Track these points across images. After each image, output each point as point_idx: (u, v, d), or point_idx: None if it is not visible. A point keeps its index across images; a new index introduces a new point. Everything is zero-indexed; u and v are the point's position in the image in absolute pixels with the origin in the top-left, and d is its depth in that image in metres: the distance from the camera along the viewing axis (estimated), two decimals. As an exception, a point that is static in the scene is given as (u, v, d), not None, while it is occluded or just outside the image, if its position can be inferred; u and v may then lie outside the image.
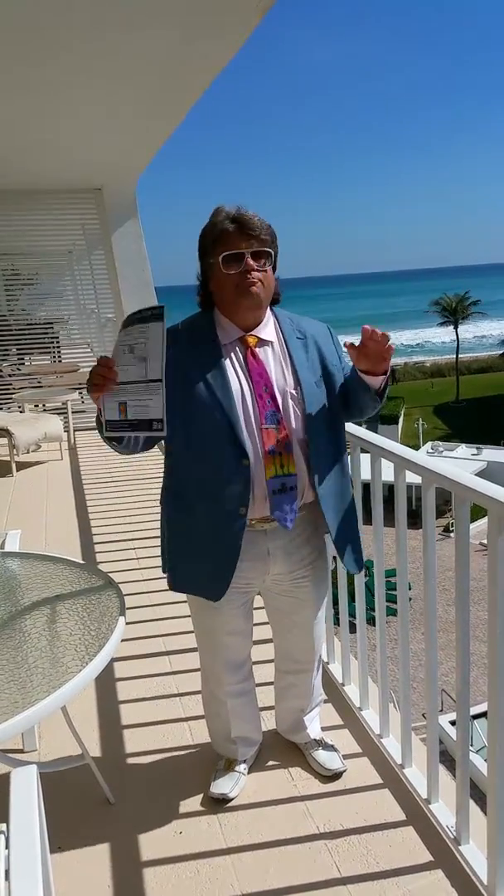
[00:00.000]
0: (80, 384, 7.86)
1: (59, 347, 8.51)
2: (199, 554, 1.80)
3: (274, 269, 1.76)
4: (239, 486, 1.70)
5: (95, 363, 1.61)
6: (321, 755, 2.11)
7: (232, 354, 1.75)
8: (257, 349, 1.76)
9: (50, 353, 8.54)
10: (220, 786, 2.01)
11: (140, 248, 7.47)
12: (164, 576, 1.91)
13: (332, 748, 2.13)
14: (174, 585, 1.89)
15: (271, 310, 1.83)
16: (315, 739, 2.15)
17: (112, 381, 1.57)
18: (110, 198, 7.23)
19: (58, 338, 8.40)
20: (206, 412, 1.70)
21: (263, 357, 1.76)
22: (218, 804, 1.98)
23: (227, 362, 1.74)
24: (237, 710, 2.03)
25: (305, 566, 1.90)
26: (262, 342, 1.77)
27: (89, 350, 8.22)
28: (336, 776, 2.06)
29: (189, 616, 1.99)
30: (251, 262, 1.68)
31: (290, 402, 1.75)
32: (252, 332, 1.77)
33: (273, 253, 1.73)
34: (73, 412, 7.08)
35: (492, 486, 1.54)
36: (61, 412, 6.95)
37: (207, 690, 2.07)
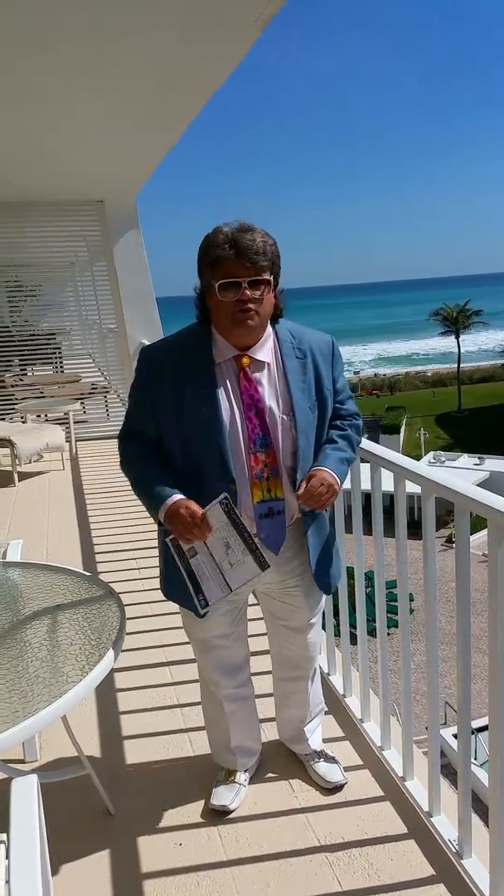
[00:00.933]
0: (81, 394, 7.90)
1: (61, 358, 8.55)
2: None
3: (275, 288, 1.72)
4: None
5: (187, 513, 1.66)
6: (322, 767, 2.10)
7: (224, 374, 1.72)
8: (251, 370, 1.72)
9: (52, 363, 8.57)
10: (221, 797, 2.00)
11: (141, 259, 7.51)
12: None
13: (333, 760, 2.12)
14: (164, 591, 1.91)
15: (272, 326, 1.79)
16: (316, 751, 2.14)
17: (197, 539, 1.67)
18: (112, 209, 7.28)
19: (60, 348, 8.44)
20: (198, 433, 1.69)
21: (257, 378, 1.73)
22: (218, 816, 1.97)
23: (219, 382, 1.71)
24: (236, 716, 2.02)
25: (295, 576, 1.89)
26: (256, 363, 1.74)
27: (91, 360, 8.25)
28: (337, 788, 2.05)
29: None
30: (248, 292, 1.64)
31: (280, 427, 1.72)
32: (248, 353, 1.73)
33: (272, 278, 1.69)
34: (74, 422, 7.10)
35: (491, 496, 1.54)
36: (63, 422, 6.97)
37: (206, 696, 2.05)
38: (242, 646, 2.00)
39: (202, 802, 2.03)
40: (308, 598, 1.94)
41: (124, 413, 1.86)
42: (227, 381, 1.71)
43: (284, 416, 1.73)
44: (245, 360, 1.72)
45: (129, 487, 1.82)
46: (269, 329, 1.78)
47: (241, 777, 2.07)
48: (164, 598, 1.91)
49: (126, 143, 5.48)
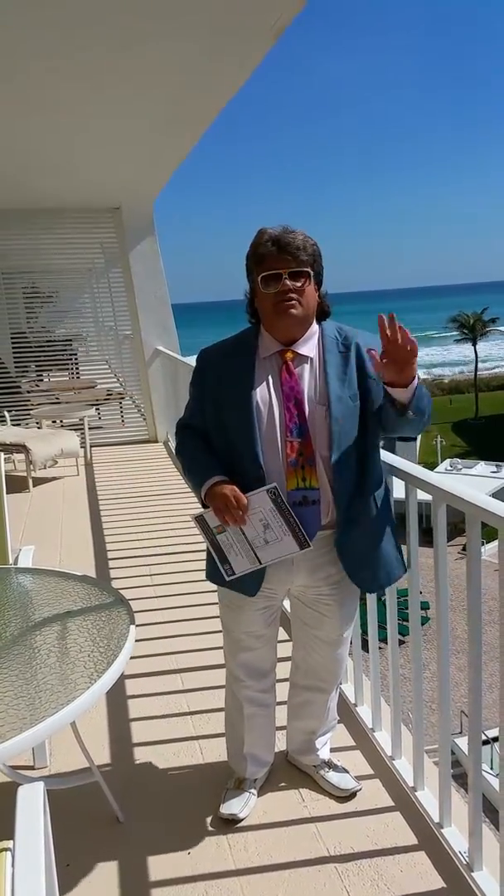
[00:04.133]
0: (96, 400, 7.95)
1: (77, 364, 8.62)
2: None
3: (319, 285, 1.81)
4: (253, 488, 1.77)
5: (226, 494, 1.76)
6: (332, 776, 2.08)
7: (267, 368, 1.81)
8: (294, 364, 1.79)
9: (68, 369, 8.64)
10: (231, 806, 1.99)
11: (157, 266, 7.56)
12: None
13: (342, 769, 2.11)
14: (207, 574, 1.95)
15: (318, 324, 1.85)
16: (324, 761, 2.12)
17: (235, 522, 1.76)
18: (128, 217, 7.34)
19: (76, 354, 8.51)
20: (234, 423, 1.78)
21: (299, 372, 1.79)
22: (227, 825, 1.96)
23: (261, 375, 1.80)
24: (253, 721, 2.03)
25: (331, 584, 1.87)
26: (300, 357, 1.80)
27: (107, 367, 8.31)
28: (351, 796, 2.04)
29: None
30: (288, 282, 1.73)
31: (317, 417, 1.76)
32: (292, 347, 1.80)
33: (314, 271, 1.77)
34: (89, 428, 7.14)
35: (502, 505, 1.53)
36: (78, 428, 7.02)
37: (229, 695, 2.08)
38: (271, 650, 2.01)
39: (212, 811, 2.02)
40: (341, 610, 1.92)
41: (182, 412, 2.04)
42: (269, 375, 1.80)
43: (320, 406, 1.76)
44: (289, 355, 1.79)
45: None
46: (315, 326, 1.84)
47: (251, 785, 2.06)
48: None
49: (142, 150, 5.53)
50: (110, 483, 6.09)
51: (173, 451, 2.06)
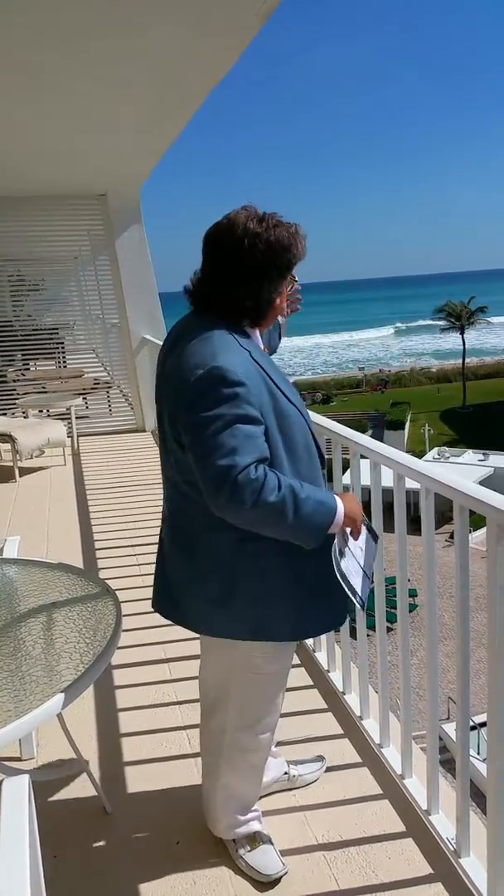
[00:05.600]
0: (83, 390, 7.88)
1: (64, 353, 8.54)
2: (315, 582, 1.63)
3: None
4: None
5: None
6: (303, 767, 2.09)
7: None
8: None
9: (55, 358, 8.56)
10: (269, 865, 1.75)
11: (144, 254, 7.48)
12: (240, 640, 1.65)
13: (302, 760, 2.10)
14: (296, 633, 1.68)
15: None
16: (286, 761, 2.07)
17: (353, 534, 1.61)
18: (114, 203, 7.25)
19: (63, 343, 8.43)
20: (299, 427, 1.60)
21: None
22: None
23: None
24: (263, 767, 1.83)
25: None
26: None
27: (94, 355, 8.24)
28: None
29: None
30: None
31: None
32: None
33: None
34: (76, 417, 7.09)
35: (489, 493, 1.52)
36: (65, 418, 6.96)
37: (259, 745, 1.76)
38: None
39: (199, 800, 2.01)
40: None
41: (218, 448, 1.44)
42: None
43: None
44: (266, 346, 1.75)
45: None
46: None
47: (265, 833, 1.84)
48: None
49: (128, 136, 5.46)
50: (98, 473, 6.05)
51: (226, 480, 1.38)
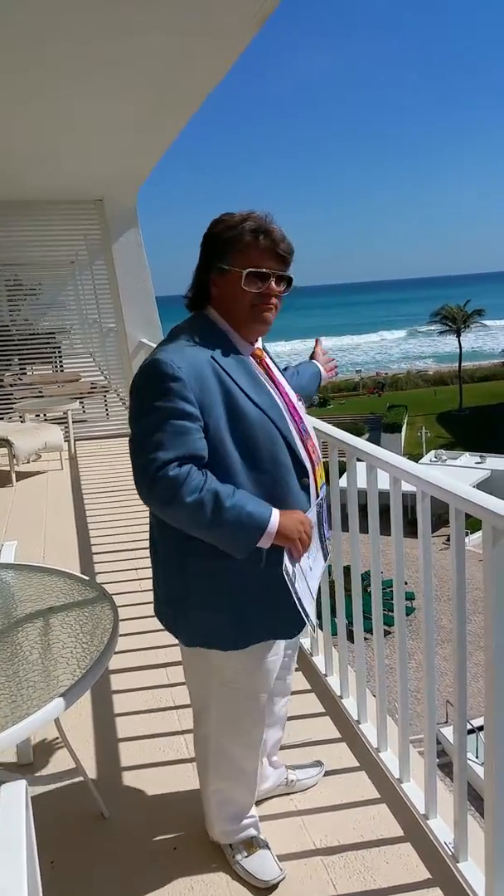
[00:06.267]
0: (80, 394, 7.88)
1: (61, 357, 8.54)
2: (264, 589, 1.56)
3: None
4: (305, 504, 1.59)
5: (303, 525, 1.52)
6: (304, 772, 2.08)
7: (255, 367, 1.62)
8: (266, 361, 1.70)
9: (52, 362, 8.56)
10: (266, 871, 1.73)
11: (140, 258, 7.49)
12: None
13: (300, 765, 2.10)
14: (238, 642, 1.59)
15: None
16: (286, 766, 2.07)
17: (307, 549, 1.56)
18: (111, 208, 7.26)
19: (60, 347, 8.43)
20: (263, 431, 1.53)
21: (273, 369, 1.70)
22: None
23: (260, 376, 1.61)
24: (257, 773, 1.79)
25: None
26: (265, 354, 1.72)
27: (91, 360, 8.24)
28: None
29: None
30: (274, 286, 1.57)
31: (304, 412, 1.74)
32: (256, 345, 1.68)
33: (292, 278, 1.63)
34: (73, 422, 7.09)
35: (485, 497, 1.53)
36: (62, 422, 6.96)
37: (255, 755, 1.74)
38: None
39: (197, 805, 2.01)
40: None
41: (145, 441, 1.46)
42: (261, 374, 1.62)
43: (300, 403, 1.75)
44: (259, 352, 1.68)
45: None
46: None
47: (263, 844, 1.81)
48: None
49: (125, 141, 5.47)
50: (95, 477, 6.04)
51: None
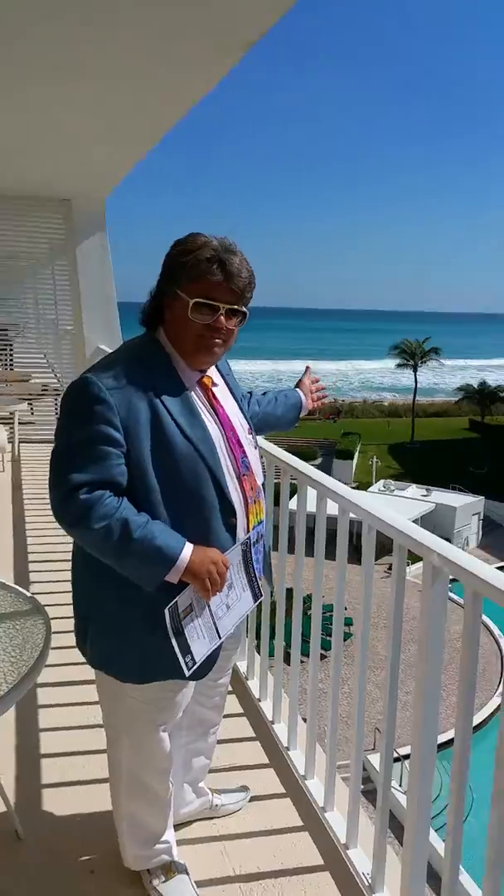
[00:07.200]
0: (29, 395, 7.71)
1: (11, 354, 8.33)
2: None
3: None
4: (228, 543, 1.55)
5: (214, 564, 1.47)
6: (229, 796, 2.07)
7: (196, 396, 1.56)
8: (214, 390, 1.63)
9: (1, 360, 8.35)
10: None
11: (105, 263, 7.41)
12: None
13: (225, 790, 2.08)
14: (137, 676, 1.55)
15: None
16: (213, 790, 2.04)
17: (217, 591, 1.50)
18: (78, 210, 7.19)
19: (11, 345, 8.22)
20: (191, 465, 1.48)
21: (222, 399, 1.63)
22: None
23: (198, 406, 1.55)
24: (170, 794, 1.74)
25: (234, 640, 1.80)
26: (214, 384, 1.64)
27: (44, 360, 8.08)
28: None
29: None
30: (223, 319, 1.51)
31: (250, 445, 1.67)
32: (206, 373, 1.63)
33: (248, 312, 1.57)
34: (20, 423, 6.93)
35: (427, 535, 1.56)
36: (8, 422, 6.79)
37: (159, 779, 1.69)
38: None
39: (112, 823, 1.96)
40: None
41: (62, 460, 1.46)
42: (202, 404, 1.56)
43: (250, 435, 1.68)
44: (207, 381, 1.61)
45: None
46: None
47: (181, 863, 1.78)
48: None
49: (97, 150, 5.44)
50: (38, 482, 5.90)
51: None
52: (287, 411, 2.03)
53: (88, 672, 2.81)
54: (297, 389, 2.11)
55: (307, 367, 2.19)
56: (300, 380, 2.15)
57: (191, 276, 1.49)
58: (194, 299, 1.48)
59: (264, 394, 2.00)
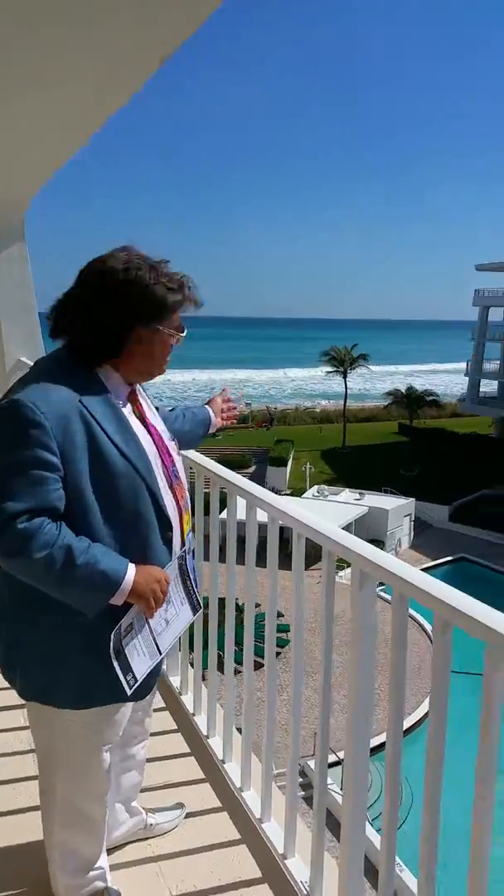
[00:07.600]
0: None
1: None
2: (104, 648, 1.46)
3: None
4: (166, 558, 1.55)
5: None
6: (164, 815, 2.03)
7: (127, 411, 1.56)
8: (140, 401, 1.64)
9: None
10: None
11: (24, 273, 7.16)
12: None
13: (159, 809, 2.05)
14: (81, 701, 1.51)
15: None
16: (146, 808, 2.01)
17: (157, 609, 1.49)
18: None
19: None
20: (126, 483, 1.46)
21: (147, 409, 1.65)
22: None
23: (130, 420, 1.54)
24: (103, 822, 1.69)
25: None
26: (139, 393, 1.66)
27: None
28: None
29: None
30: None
31: (175, 453, 1.68)
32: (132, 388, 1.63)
33: None
34: None
35: (355, 541, 1.58)
36: None
37: (99, 811, 1.65)
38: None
39: (43, 853, 1.88)
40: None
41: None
42: (132, 418, 1.56)
43: (173, 442, 1.69)
44: (133, 395, 1.62)
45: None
46: None
47: (114, 886, 1.74)
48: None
49: (10, 160, 5.30)
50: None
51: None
52: (195, 427, 2.01)
53: (12, 696, 2.72)
54: (207, 406, 2.10)
55: (224, 388, 2.22)
56: (212, 398, 2.16)
57: (170, 306, 1.52)
58: (174, 327, 1.55)
59: (171, 409, 1.98)
